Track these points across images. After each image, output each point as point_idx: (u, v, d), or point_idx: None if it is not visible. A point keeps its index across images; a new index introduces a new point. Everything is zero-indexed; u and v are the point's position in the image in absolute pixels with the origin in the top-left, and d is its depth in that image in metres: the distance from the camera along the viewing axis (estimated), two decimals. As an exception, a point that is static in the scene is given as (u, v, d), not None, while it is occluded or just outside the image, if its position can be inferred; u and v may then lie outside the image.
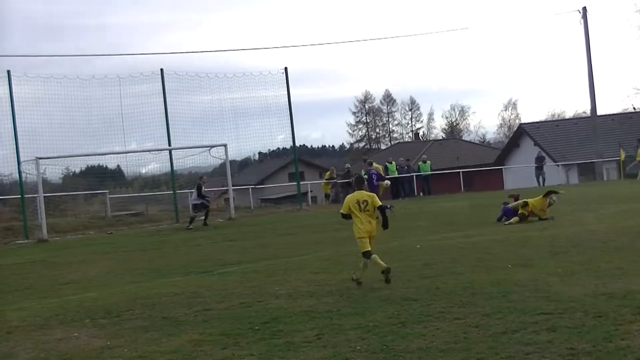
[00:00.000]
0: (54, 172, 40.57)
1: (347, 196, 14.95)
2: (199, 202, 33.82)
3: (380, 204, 14.59)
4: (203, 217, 34.05)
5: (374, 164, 34.41)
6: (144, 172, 46.67)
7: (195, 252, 23.14)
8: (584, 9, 51.43)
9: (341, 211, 14.63)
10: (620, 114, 67.75)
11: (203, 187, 34.22)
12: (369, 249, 14.21)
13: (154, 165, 42.86)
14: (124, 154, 38.77)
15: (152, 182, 49.60)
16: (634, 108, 63.61)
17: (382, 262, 13.97)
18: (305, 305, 12.29)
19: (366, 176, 31.34)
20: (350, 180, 46.32)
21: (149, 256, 22.83)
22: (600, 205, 27.04)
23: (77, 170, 43.87)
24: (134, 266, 20.31)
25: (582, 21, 51.61)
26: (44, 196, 33.15)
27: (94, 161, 41.91)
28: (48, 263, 22.84)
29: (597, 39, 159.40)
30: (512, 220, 23.67)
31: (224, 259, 20.40)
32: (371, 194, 14.82)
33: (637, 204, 26.06)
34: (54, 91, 35.20)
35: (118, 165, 44.05)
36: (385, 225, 14.53)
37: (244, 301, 13.16)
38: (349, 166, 51.60)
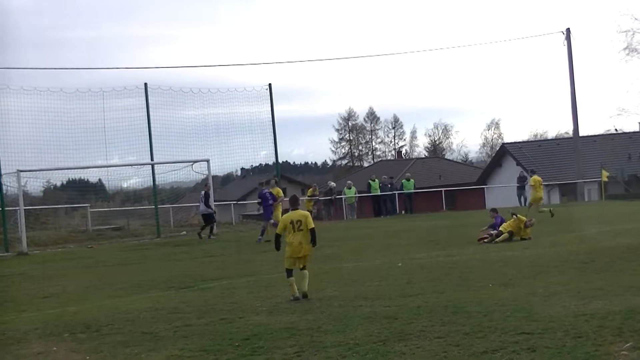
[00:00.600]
0: (35, 185, 40.53)
1: (283, 216, 15.40)
2: (209, 212, 34.00)
3: (313, 225, 15.07)
4: (201, 228, 34.30)
5: (280, 188, 34.05)
6: (125, 186, 46.64)
7: (176, 267, 23.06)
8: (568, 30, 51.74)
9: (276, 231, 15.12)
10: (603, 135, 68.18)
11: (211, 195, 34.47)
12: (292, 268, 14.92)
13: (136, 180, 42.89)
14: (105, 168, 38.69)
15: (133, 196, 49.49)
16: (616, 129, 64.06)
17: (295, 289, 14.69)
18: (285, 322, 12.27)
19: (260, 198, 31.71)
20: (333, 197, 46.71)
21: (130, 271, 22.73)
22: (582, 226, 27.15)
23: (59, 183, 43.88)
24: (115, 280, 20.22)
25: (565, 42, 51.89)
26: (25, 209, 33.01)
27: (75, 174, 41.90)
28: (28, 276, 22.70)
29: (580, 60, 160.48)
30: (500, 238, 23.72)
31: (204, 274, 20.34)
32: (306, 213, 15.36)
33: (618, 225, 26.18)
34: (36, 103, 35.08)
35: (100, 179, 44.01)
36: (313, 241, 15.01)
37: (225, 317, 13.13)
38: (333, 184, 51.59)
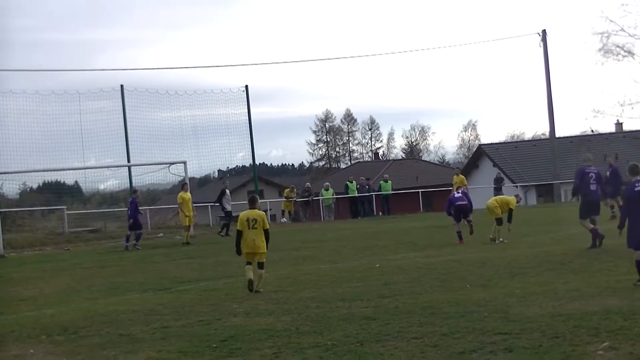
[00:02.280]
0: (11, 187, 40.34)
1: (241, 213, 16.19)
2: (226, 210, 34.09)
3: (268, 226, 16.12)
4: (222, 227, 34.55)
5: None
6: (102, 188, 46.46)
7: (154, 269, 22.98)
8: (544, 31, 51.83)
9: (237, 227, 16.09)
10: (579, 136, 68.44)
11: (227, 192, 34.58)
12: (250, 260, 15.93)
13: (113, 182, 42.73)
14: (82, 170, 38.50)
15: (110, 198, 49.32)
16: (592, 131, 64.35)
17: (251, 275, 15.77)
18: (263, 324, 12.26)
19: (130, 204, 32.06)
20: (310, 199, 46.68)
21: (107, 273, 22.62)
22: (558, 227, 27.24)
23: (35, 185, 43.62)
24: (92, 283, 20.14)
25: (541, 44, 52.00)
26: (1, 211, 32.80)
27: (51, 177, 41.64)
28: (4, 279, 22.57)
29: (557, 61, 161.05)
30: (494, 231, 24.07)
31: (182, 276, 20.31)
32: (261, 213, 16.30)
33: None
34: (12, 106, 34.95)
35: (76, 181, 43.80)
36: (266, 240, 16.08)
37: (202, 319, 13.10)
38: (309, 185, 51.64)
